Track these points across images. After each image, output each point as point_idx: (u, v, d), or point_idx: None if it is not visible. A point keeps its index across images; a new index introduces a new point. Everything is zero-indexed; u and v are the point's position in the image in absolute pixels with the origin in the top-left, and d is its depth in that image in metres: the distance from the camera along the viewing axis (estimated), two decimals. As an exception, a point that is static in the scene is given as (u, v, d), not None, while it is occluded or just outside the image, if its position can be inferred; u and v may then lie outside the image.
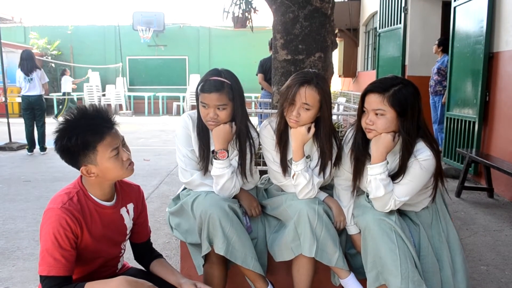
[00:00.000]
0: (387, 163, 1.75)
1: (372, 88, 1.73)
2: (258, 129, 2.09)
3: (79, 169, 1.42)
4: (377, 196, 1.73)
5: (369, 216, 1.75)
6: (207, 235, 1.78)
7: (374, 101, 1.71)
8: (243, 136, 1.94)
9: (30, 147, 6.58)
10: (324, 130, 1.89)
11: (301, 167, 1.86)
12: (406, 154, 1.72)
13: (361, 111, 1.80)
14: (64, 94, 11.72)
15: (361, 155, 1.83)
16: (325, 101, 1.86)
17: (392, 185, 1.74)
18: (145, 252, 1.69)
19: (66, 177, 4.95)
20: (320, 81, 1.86)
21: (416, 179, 1.72)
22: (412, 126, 1.70)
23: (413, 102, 1.70)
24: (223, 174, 1.87)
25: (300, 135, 1.86)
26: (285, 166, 1.95)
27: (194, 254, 1.93)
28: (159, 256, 1.70)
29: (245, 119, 1.94)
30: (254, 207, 1.97)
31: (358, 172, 1.86)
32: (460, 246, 1.84)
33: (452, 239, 1.84)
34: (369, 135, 1.77)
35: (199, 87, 1.87)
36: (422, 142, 1.73)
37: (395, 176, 1.76)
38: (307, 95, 1.82)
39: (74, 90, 11.95)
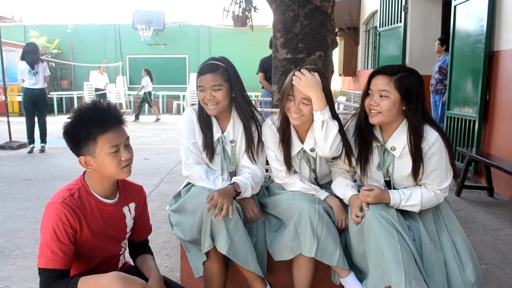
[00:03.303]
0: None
1: (380, 70, 1.80)
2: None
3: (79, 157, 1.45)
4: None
5: (368, 213, 1.75)
6: (210, 233, 1.77)
7: (381, 82, 1.76)
8: (246, 117, 1.98)
9: (31, 140, 6.51)
10: None
11: (328, 114, 1.81)
12: (416, 136, 1.76)
13: (365, 94, 1.83)
14: (97, 89, 11.85)
15: (366, 137, 1.86)
16: (325, 93, 1.86)
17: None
18: (139, 249, 1.71)
19: (66, 176, 4.95)
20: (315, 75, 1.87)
21: (438, 163, 1.77)
22: (416, 110, 1.75)
23: (418, 89, 1.76)
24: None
25: (312, 82, 1.80)
26: (289, 163, 1.96)
27: (192, 256, 1.92)
28: (148, 252, 1.71)
29: (244, 99, 1.99)
30: (253, 209, 1.95)
31: (363, 156, 1.88)
32: (466, 240, 1.84)
33: (457, 233, 1.84)
34: (372, 120, 1.80)
35: (197, 74, 1.96)
36: (428, 125, 1.79)
37: (415, 164, 1.78)
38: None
39: (104, 89, 12.11)
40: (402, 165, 1.82)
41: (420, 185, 1.86)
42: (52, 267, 1.34)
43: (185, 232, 1.91)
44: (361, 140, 1.88)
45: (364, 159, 1.88)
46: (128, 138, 1.49)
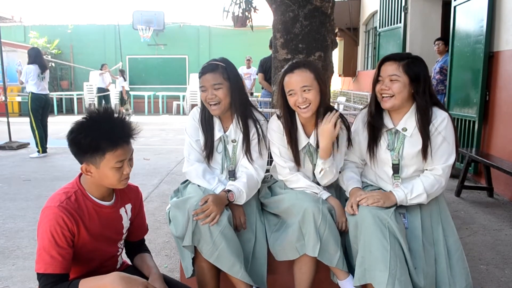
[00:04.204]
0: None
1: (388, 57, 1.91)
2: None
3: (81, 163, 1.43)
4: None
5: (365, 210, 1.76)
6: (192, 231, 1.75)
7: (390, 68, 1.86)
8: (243, 114, 2.00)
9: (45, 149, 6.40)
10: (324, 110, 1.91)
11: (329, 164, 1.90)
12: (425, 118, 1.83)
13: (376, 81, 1.91)
14: (101, 90, 11.83)
15: (376, 122, 1.93)
16: (320, 79, 1.90)
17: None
18: (136, 248, 1.71)
19: (65, 176, 4.95)
20: (305, 63, 1.93)
21: (445, 140, 1.83)
22: (425, 92, 1.84)
23: (425, 73, 1.86)
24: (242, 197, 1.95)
25: (328, 133, 1.85)
26: (298, 161, 1.99)
27: (183, 256, 1.90)
28: (145, 251, 1.71)
29: (242, 99, 2.01)
30: (240, 217, 1.94)
31: (374, 141, 1.93)
32: (458, 242, 1.85)
33: (451, 234, 1.86)
34: (384, 105, 1.87)
35: (198, 75, 2.01)
36: (435, 107, 1.88)
37: (425, 141, 1.83)
38: (300, 79, 1.87)
39: (107, 89, 12.12)
40: (413, 142, 1.87)
41: (419, 175, 1.90)
42: (51, 272, 1.33)
43: (177, 227, 1.88)
44: (371, 125, 1.94)
45: (373, 142, 1.93)
46: (133, 151, 1.48)
